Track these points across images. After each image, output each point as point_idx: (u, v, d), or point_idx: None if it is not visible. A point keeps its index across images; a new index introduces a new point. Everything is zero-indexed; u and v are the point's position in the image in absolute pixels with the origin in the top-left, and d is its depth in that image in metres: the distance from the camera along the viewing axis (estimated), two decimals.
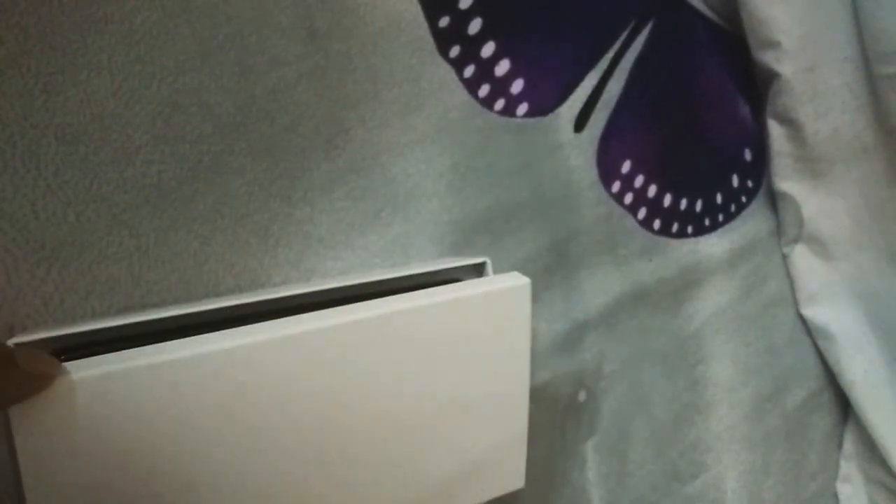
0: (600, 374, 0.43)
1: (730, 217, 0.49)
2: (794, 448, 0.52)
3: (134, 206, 0.29)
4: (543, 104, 0.40)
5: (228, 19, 0.31)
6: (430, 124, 0.37)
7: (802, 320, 0.52)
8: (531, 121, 0.40)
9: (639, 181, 0.44)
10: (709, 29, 0.48)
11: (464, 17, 0.37)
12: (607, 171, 0.43)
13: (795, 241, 0.51)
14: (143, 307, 0.29)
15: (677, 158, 0.46)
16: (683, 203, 0.47)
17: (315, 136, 0.33)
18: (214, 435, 0.24)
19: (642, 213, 0.45)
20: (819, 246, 0.51)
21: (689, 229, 0.47)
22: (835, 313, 0.51)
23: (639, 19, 0.44)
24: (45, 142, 0.27)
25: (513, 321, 0.30)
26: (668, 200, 0.46)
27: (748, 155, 0.50)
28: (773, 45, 0.45)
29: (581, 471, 0.43)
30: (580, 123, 0.42)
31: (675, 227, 0.46)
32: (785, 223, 0.51)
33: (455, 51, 0.37)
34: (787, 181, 0.50)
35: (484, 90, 0.38)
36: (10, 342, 0.23)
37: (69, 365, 0.22)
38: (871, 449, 0.52)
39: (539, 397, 0.39)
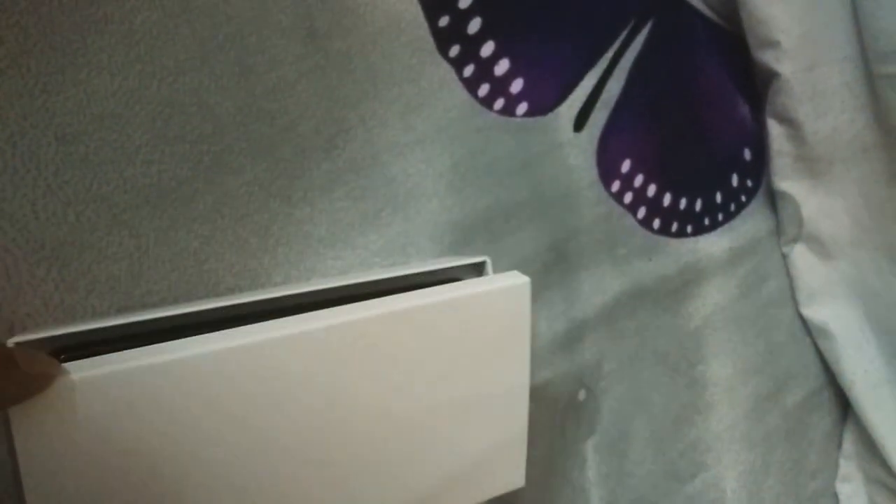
0: (600, 373, 0.43)
1: (729, 216, 0.49)
2: (793, 447, 0.52)
3: (134, 205, 0.29)
4: (543, 103, 0.40)
5: (228, 19, 0.31)
6: (429, 124, 0.37)
7: (802, 320, 0.52)
8: (531, 120, 0.40)
9: (638, 180, 0.44)
10: (708, 28, 0.48)
11: (463, 17, 0.37)
12: (607, 171, 0.43)
13: (795, 240, 0.51)
14: (144, 307, 0.29)
15: (677, 158, 0.46)
16: (683, 202, 0.47)
17: (315, 136, 0.33)
18: (214, 435, 0.24)
19: (642, 212, 0.45)
20: (818, 245, 0.51)
21: (689, 228, 0.47)
22: (834, 313, 0.51)
23: (638, 19, 0.44)
24: (45, 142, 0.27)
25: (513, 320, 0.30)
26: (667, 200, 0.46)
27: (748, 154, 0.50)
28: (773, 44, 0.45)
29: (581, 470, 0.43)
30: (580, 123, 0.42)
31: (674, 227, 0.46)
32: (784, 222, 0.51)
33: (455, 50, 0.37)
34: (786, 180, 0.50)
35: (483, 90, 0.38)
36: (10, 341, 0.23)
37: (69, 365, 0.22)
38: (870, 448, 0.52)
39: (539, 396, 0.39)
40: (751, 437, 0.49)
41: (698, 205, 0.47)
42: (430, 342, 0.28)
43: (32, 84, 0.27)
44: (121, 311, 0.29)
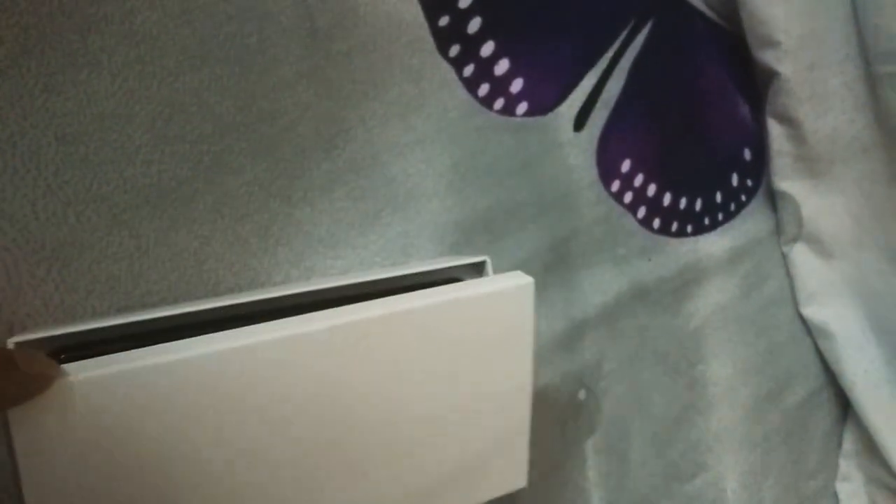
0: (600, 373, 0.43)
1: (729, 216, 0.49)
2: (793, 447, 0.52)
3: (134, 205, 0.29)
4: (543, 103, 0.40)
5: (228, 19, 0.31)
6: (429, 124, 0.37)
7: (802, 319, 0.52)
8: (531, 120, 0.40)
9: (638, 180, 0.44)
10: (708, 28, 0.48)
11: (463, 17, 0.37)
12: (607, 171, 0.43)
13: (795, 240, 0.51)
14: (144, 307, 0.29)
15: (677, 157, 0.46)
16: (683, 202, 0.47)
17: (315, 136, 0.33)
18: (213, 436, 0.24)
19: (642, 212, 0.45)
20: (819, 245, 0.51)
21: (689, 228, 0.47)
22: (834, 312, 0.51)
23: (638, 18, 0.44)
24: (45, 142, 0.27)
25: (516, 321, 0.30)
26: (667, 199, 0.46)
27: (748, 154, 0.50)
28: (773, 44, 0.45)
29: (581, 470, 0.43)
30: (580, 122, 0.42)
31: (674, 226, 0.46)
32: (784, 222, 0.51)
33: (455, 50, 0.37)
34: (786, 180, 0.50)
35: (484, 89, 0.38)
36: (10, 341, 0.23)
37: (68, 366, 0.22)
38: (870, 448, 0.52)
39: (539, 396, 0.39)
40: (751, 437, 0.49)
41: (698, 204, 0.47)
42: (433, 343, 0.28)
43: (33, 84, 0.27)
44: (121, 311, 0.29)
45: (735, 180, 0.50)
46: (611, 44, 0.43)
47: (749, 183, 0.50)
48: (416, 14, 0.36)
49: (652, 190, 0.45)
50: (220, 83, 0.31)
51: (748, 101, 0.50)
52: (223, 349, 0.24)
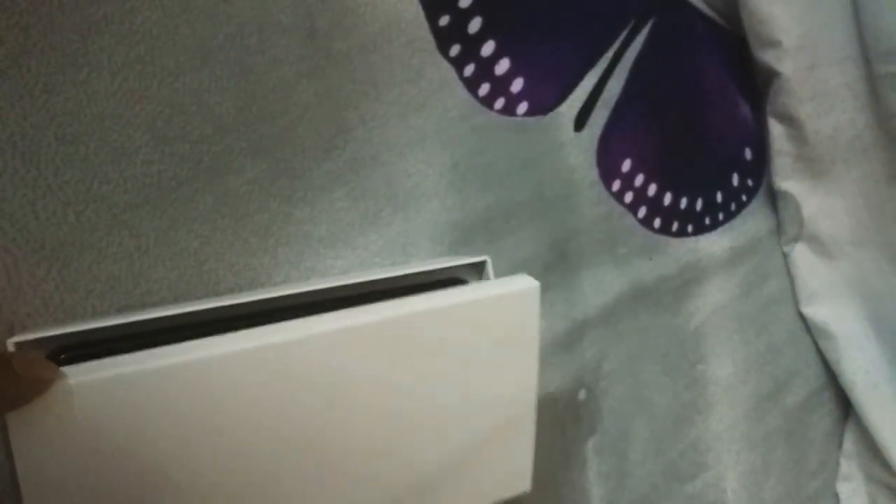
0: (600, 373, 0.43)
1: (730, 216, 0.49)
2: (794, 447, 0.52)
3: (134, 205, 0.29)
4: (543, 103, 0.40)
5: (228, 19, 0.31)
6: (430, 124, 0.37)
7: (802, 319, 0.52)
8: (531, 120, 0.40)
9: (639, 180, 0.44)
10: (709, 28, 0.48)
11: (464, 16, 0.37)
12: (607, 170, 0.43)
13: (795, 239, 0.51)
14: (144, 306, 0.29)
15: (677, 157, 0.46)
16: (684, 202, 0.47)
17: (315, 136, 0.33)
18: (213, 440, 0.24)
19: (642, 211, 0.45)
20: (819, 245, 0.51)
21: (690, 228, 0.47)
22: (835, 312, 0.51)
23: (639, 18, 0.44)
24: (46, 142, 0.27)
25: (522, 325, 0.30)
26: (668, 199, 0.46)
27: (748, 154, 0.50)
28: (774, 44, 0.45)
29: (581, 470, 0.43)
30: (580, 122, 0.42)
31: (675, 226, 0.46)
32: (785, 222, 0.51)
33: (455, 50, 0.37)
34: (787, 180, 0.50)
35: (484, 89, 0.38)
36: (10, 341, 0.23)
37: (66, 369, 0.22)
38: (871, 448, 0.52)
39: (539, 396, 0.39)
40: (751, 436, 0.49)
41: (699, 204, 0.47)
42: (438, 347, 0.28)
43: (33, 84, 0.27)
44: (121, 310, 0.29)
45: (736, 180, 0.50)
46: (611, 44, 0.43)
47: (750, 183, 0.50)
48: (417, 14, 0.36)
49: (652, 190, 0.45)
50: (220, 83, 0.31)
51: (749, 101, 0.49)
52: (223, 353, 0.24)
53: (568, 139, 0.41)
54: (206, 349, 0.24)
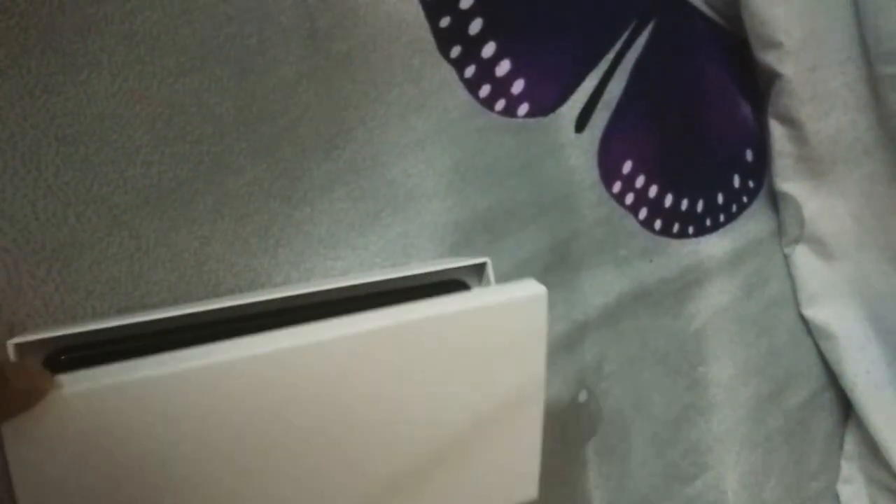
0: (601, 374, 0.43)
1: (731, 217, 0.49)
2: (795, 449, 0.52)
3: (134, 206, 0.29)
4: (544, 104, 0.40)
5: (229, 19, 0.31)
6: (430, 124, 0.36)
7: (804, 320, 0.52)
8: (532, 121, 0.40)
9: (640, 181, 0.44)
10: (710, 29, 0.48)
11: (465, 17, 0.37)
12: (608, 172, 0.43)
13: (797, 241, 0.51)
14: (144, 307, 0.29)
15: (678, 159, 0.46)
16: (685, 203, 0.47)
17: (315, 137, 0.33)
18: (209, 450, 0.24)
19: (643, 213, 0.45)
20: (820, 246, 0.50)
21: (691, 229, 0.47)
22: (836, 313, 0.51)
23: (640, 20, 0.44)
24: (46, 142, 0.27)
25: (528, 332, 0.29)
26: (669, 201, 0.46)
27: (749, 155, 0.50)
28: (775, 45, 0.45)
29: (582, 471, 0.43)
30: (581, 124, 0.42)
31: (676, 228, 0.46)
32: (786, 223, 0.51)
33: (456, 51, 0.37)
34: (788, 181, 0.50)
35: (485, 90, 0.38)
36: (10, 342, 0.23)
37: (61, 378, 0.22)
38: (872, 450, 0.52)
39: None
40: (752, 438, 0.49)
41: (700, 206, 0.47)
42: (442, 353, 0.27)
43: (33, 84, 0.27)
44: (121, 311, 0.29)
45: (737, 181, 0.49)
46: (612, 45, 0.43)
47: (751, 184, 0.50)
48: (417, 14, 0.36)
49: (653, 191, 0.45)
50: (221, 84, 0.31)
51: (750, 102, 0.49)
52: (220, 361, 0.23)
53: (569, 140, 0.41)
54: (202, 358, 0.23)
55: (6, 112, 0.27)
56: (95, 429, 0.22)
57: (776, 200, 0.51)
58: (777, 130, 0.49)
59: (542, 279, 0.40)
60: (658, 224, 0.45)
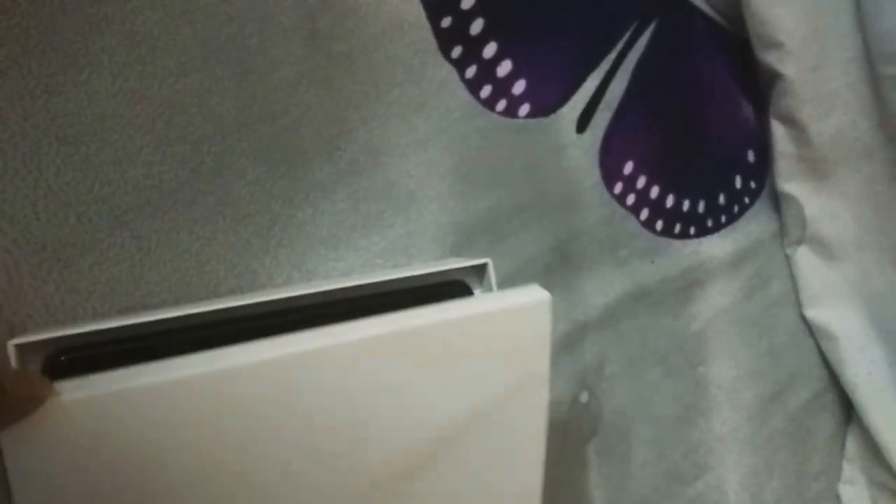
0: (602, 375, 0.43)
1: (732, 218, 0.49)
2: (796, 450, 0.52)
3: (135, 207, 0.29)
4: (545, 105, 0.40)
5: (230, 20, 0.31)
6: (431, 125, 0.36)
7: (805, 321, 0.52)
8: (533, 122, 0.40)
9: (641, 182, 0.44)
10: (711, 30, 0.48)
11: (466, 18, 0.37)
12: (609, 172, 0.43)
13: (798, 242, 0.51)
14: (145, 308, 0.29)
15: (680, 159, 0.46)
16: (686, 204, 0.46)
17: (316, 137, 0.33)
18: (209, 457, 0.24)
19: (644, 213, 0.44)
20: (822, 247, 0.50)
21: (692, 230, 0.47)
22: (838, 314, 0.51)
23: (641, 20, 0.44)
24: (46, 143, 0.27)
25: (532, 338, 0.28)
26: (670, 201, 0.46)
27: (751, 156, 0.50)
28: (777, 45, 0.45)
29: (582, 472, 0.43)
30: (582, 124, 0.42)
31: (677, 228, 0.46)
32: (788, 224, 0.51)
33: (457, 51, 0.37)
34: (790, 182, 0.50)
35: (486, 91, 0.38)
36: (11, 343, 0.23)
37: (60, 386, 0.22)
38: (873, 451, 0.52)
39: None
40: (753, 439, 0.49)
41: (701, 206, 0.47)
42: (446, 360, 0.27)
43: (34, 85, 0.27)
44: (122, 312, 0.29)
45: (738, 182, 0.49)
46: (614, 45, 0.43)
47: (752, 185, 0.50)
48: (419, 15, 0.36)
49: (655, 192, 0.45)
50: (222, 84, 0.31)
51: (751, 103, 0.49)
52: (221, 368, 0.23)
53: (570, 141, 0.41)
54: (202, 365, 0.23)
55: (7, 112, 0.27)
56: (95, 436, 0.22)
57: (778, 201, 0.51)
58: (778, 131, 0.49)
59: (543, 279, 0.40)
60: (659, 225, 0.45)
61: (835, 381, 0.53)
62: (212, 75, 0.31)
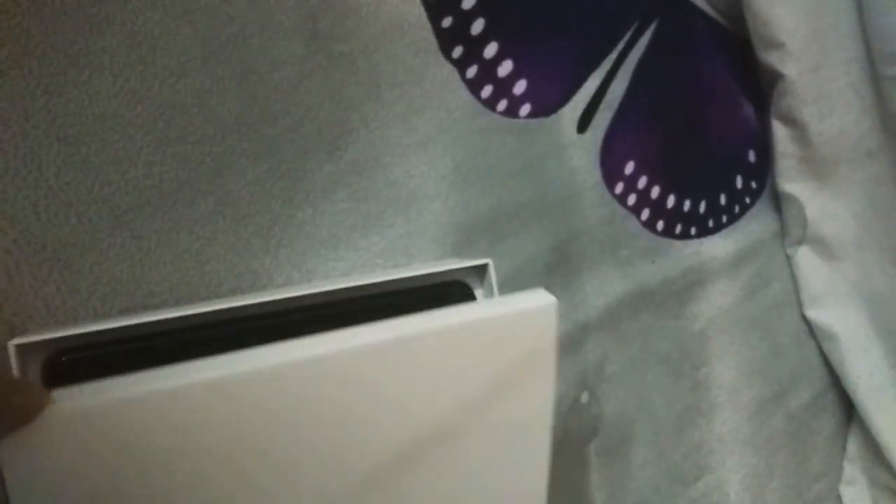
0: (603, 375, 0.43)
1: (733, 218, 0.49)
2: (797, 450, 0.52)
3: (136, 207, 0.29)
4: (546, 105, 0.40)
5: (230, 20, 0.31)
6: (432, 125, 0.36)
7: (806, 322, 0.52)
8: (534, 122, 0.40)
9: (642, 182, 0.44)
10: (713, 30, 0.48)
11: (467, 18, 0.37)
12: (610, 173, 0.43)
13: (799, 242, 0.51)
14: (145, 308, 0.29)
15: (681, 159, 0.46)
16: (687, 204, 0.46)
17: (317, 137, 0.33)
18: (206, 465, 0.23)
19: (645, 214, 0.44)
20: (823, 247, 0.50)
21: (693, 230, 0.47)
22: (839, 315, 0.51)
23: (642, 20, 0.43)
24: (47, 143, 0.27)
25: (537, 343, 0.28)
26: (671, 201, 0.46)
27: (752, 156, 0.50)
28: (778, 45, 0.45)
29: (583, 472, 0.42)
30: (583, 124, 0.42)
31: (678, 229, 0.46)
32: (789, 224, 0.51)
33: (458, 51, 0.37)
34: (791, 182, 0.50)
35: (486, 91, 0.38)
36: (11, 343, 0.23)
37: (58, 394, 0.22)
38: (874, 452, 0.52)
39: None
40: (754, 439, 0.49)
41: (702, 206, 0.47)
42: (450, 365, 0.27)
43: (34, 85, 0.27)
44: (122, 312, 0.29)
45: (739, 182, 0.49)
46: (615, 45, 0.42)
47: (753, 185, 0.50)
48: (419, 15, 0.36)
49: (656, 192, 0.45)
50: (222, 84, 0.31)
51: (752, 103, 0.49)
52: (220, 376, 0.23)
53: (571, 141, 0.41)
54: (200, 373, 0.23)
55: (8, 112, 0.27)
56: (92, 445, 0.22)
57: (779, 201, 0.51)
58: (780, 131, 0.49)
59: (543, 280, 0.40)
60: (660, 225, 0.45)
61: (836, 381, 0.53)
62: (212, 75, 0.31)
